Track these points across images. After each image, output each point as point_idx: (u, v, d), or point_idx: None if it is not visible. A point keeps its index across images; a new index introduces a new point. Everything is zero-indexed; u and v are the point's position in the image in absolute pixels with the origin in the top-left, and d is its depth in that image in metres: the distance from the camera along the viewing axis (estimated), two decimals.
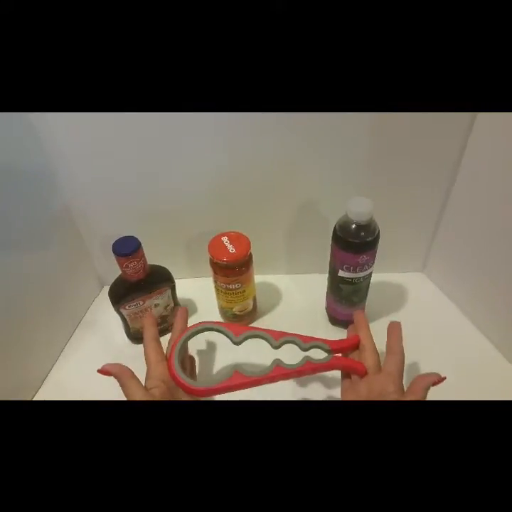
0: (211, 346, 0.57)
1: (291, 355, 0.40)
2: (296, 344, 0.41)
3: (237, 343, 0.40)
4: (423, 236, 0.64)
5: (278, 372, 0.39)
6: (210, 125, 0.51)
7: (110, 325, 0.60)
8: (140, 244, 0.49)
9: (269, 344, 0.40)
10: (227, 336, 0.40)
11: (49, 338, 0.56)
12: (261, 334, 0.41)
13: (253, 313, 0.60)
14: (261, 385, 0.38)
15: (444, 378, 0.36)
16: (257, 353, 0.41)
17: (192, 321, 0.61)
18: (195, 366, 0.48)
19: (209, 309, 0.62)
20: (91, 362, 0.57)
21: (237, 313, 0.58)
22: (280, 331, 0.41)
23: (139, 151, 0.53)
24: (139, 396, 0.36)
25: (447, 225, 0.61)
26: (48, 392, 0.53)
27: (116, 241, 0.49)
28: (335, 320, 0.58)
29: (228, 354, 0.56)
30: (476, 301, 0.58)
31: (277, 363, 0.39)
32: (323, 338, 0.42)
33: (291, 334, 0.41)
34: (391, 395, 0.36)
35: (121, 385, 0.38)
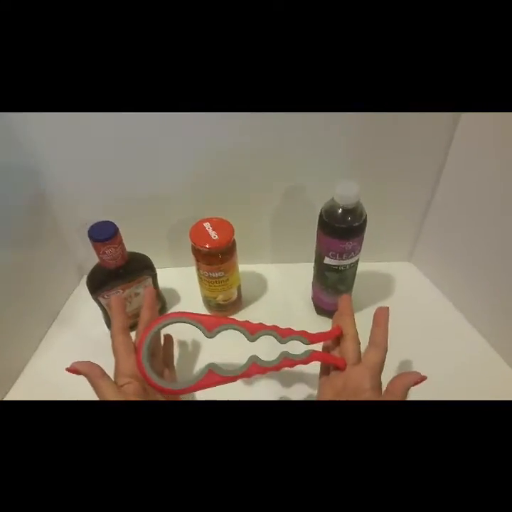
0: (184, 338, 0.55)
1: (268, 347, 0.38)
2: (274, 337, 0.39)
3: (211, 337, 0.37)
4: (410, 225, 0.63)
5: (254, 370, 0.37)
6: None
7: (90, 316, 0.58)
8: (117, 229, 0.47)
9: (245, 337, 0.38)
10: (200, 329, 0.37)
11: (26, 330, 0.54)
12: (236, 327, 0.38)
13: (238, 303, 0.59)
14: (236, 381, 0.37)
15: (425, 378, 0.34)
16: (232, 345, 0.39)
17: (175, 311, 0.60)
18: (172, 355, 0.46)
19: (192, 299, 0.60)
20: (70, 354, 0.55)
21: (221, 302, 0.56)
22: (257, 324, 0.39)
23: (116, 135, 0.51)
24: (110, 395, 0.34)
25: (435, 214, 0.60)
26: (25, 385, 0.51)
27: (92, 226, 0.47)
28: (321, 309, 0.57)
29: (202, 346, 0.54)
30: (464, 289, 0.57)
31: (254, 361, 0.37)
32: (304, 329, 0.40)
33: (269, 327, 0.39)
34: (366, 393, 0.34)
35: (92, 384, 0.36)
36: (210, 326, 0.37)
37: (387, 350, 0.37)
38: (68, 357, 0.55)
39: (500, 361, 0.51)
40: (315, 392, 0.41)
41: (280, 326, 0.39)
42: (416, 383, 0.33)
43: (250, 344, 0.38)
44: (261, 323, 0.39)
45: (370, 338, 0.39)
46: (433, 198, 0.59)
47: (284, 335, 0.39)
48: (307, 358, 0.39)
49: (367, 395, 0.34)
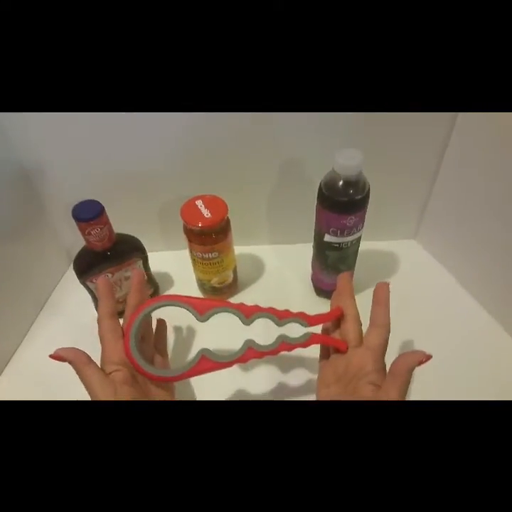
0: (177, 322, 0.53)
1: (265, 330, 0.36)
2: (271, 320, 0.36)
3: (203, 321, 0.35)
4: (415, 201, 0.60)
5: (250, 355, 0.35)
6: None
7: (80, 302, 0.55)
8: (103, 208, 0.44)
9: (240, 321, 0.35)
10: (191, 313, 0.35)
11: (13, 318, 0.52)
12: (229, 310, 0.35)
13: (233, 286, 0.56)
14: (231, 366, 0.35)
15: (430, 357, 0.31)
16: (227, 329, 0.36)
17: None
18: (165, 341, 0.43)
19: (186, 283, 0.57)
20: (60, 341, 0.52)
21: (216, 285, 0.53)
22: (253, 306, 0.36)
23: (102, 114, 0.48)
24: (96, 383, 0.32)
25: (440, 190, 0.57)
26: (14, 373, 0.49)
27: (76, 205, 0.44)
28: (320, 291, 0.54)
29: (196, 331, 0.51)
30: (470, 267, 0.55)
31: (249, 345, 0.35)
32: (303, 311, 0.37)
33: (265, 309, 0.36)
34: (369, 376, 0.32)
35: (77, 372, 0.33)
36: (202, 310, 0.35)
37: (389, 330, 0.34)
38: (58, 344, 0.52)
39: (507, 337, 0.49)
40: (315, 376, 0.39)
41: (277, 308, 0.37)
42: (421, 363, 0.30)
43: (246, 328, 0.35)
44: (256, 305, 0.36)
45: (370, 318, 0.36)
46: (438, 173, 0.56)
47: (281, 317, 0.36)
48: (306, 341, 0.36)
49: (370, 378, 0.32)
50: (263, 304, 0.37)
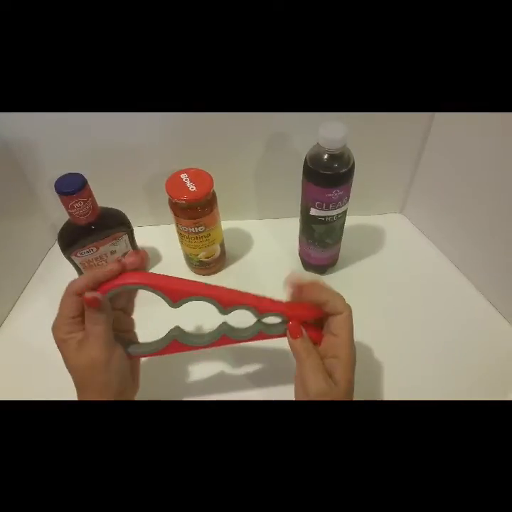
0: (148, 301, 0.52)
1: (242, 315, 0.34)
2: (250, 312, 0.34)
3: (176, 307, 0.32)
4: (402, 174, 0.59)
5: (224, 342, 0.34)
6: None
7: (66, 276, 0.54)
8: (86, 181, 0.44)
9: (217, 310, 0.33)
10: (164, 300, 0.32)
11: None
12: (206, 299, 0.32)
13: (221, 260, 0.56)
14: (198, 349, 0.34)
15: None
16: (202, 312, 0.33)
17: (156, 270, 0.57)
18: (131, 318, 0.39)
19: (174, 257, 0.57)
20: (46, 313, 0.53)
21: (204, 259, 0.53)
22: (233, 293, 0.33)
23: None
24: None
25: (427, 163, 0.57)
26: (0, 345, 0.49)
27: (58, 179, 0.43)
28: (308, 265, 0.55)
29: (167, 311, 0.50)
30: (457, 241, 0.55)
31: (224, 332, 0.34)
32: (283, 302, 0.34)
33: (245, 300, 0.33)
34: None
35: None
36: (175, 297, 0.32)
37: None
38: (44, 316, 0.52)
39: (493, 311, 0.50)
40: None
41: (259, 295, 0.34)
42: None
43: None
44: (237, 292, 0.34)
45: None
46: (424, 146, 0.55)
47: (261, 311, 0.33)
48: (283, 333, 0.34)
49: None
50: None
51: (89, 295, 0.30)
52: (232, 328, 0.35)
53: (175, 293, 0.32)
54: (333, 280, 0.55)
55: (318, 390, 0.29)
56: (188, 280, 0.33)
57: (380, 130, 0.52)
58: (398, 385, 0.43)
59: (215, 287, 0.33)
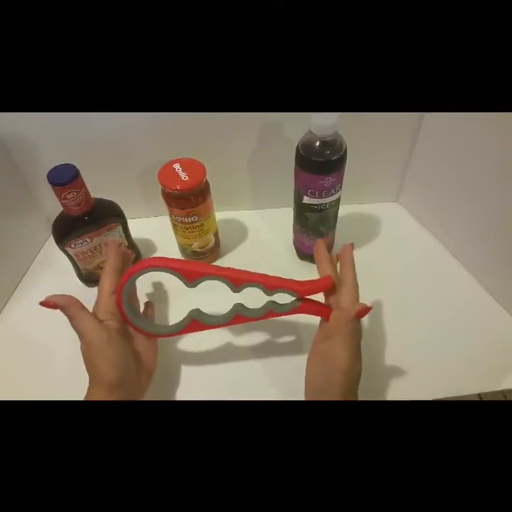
0: (166, 284, 0.53)
1: (254, 295, 0.36)
2: (261, 290, 0.36)
3: (192, 287, 0.36)
4: (396, 163, 0.59)
5: (238, 320, 0.37)
6: None
7: (61, 268, 0.55)
8: (78, 172, 0.44)
9: (230, 289, 0.36)
10: (181, 280, 0.35)
11: None
12: (219, 279, 0.35)
13: (216, 250, 0.56)
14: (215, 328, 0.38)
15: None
16: (216, 294, 0.36)
17: None
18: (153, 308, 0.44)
19: (168, 248, 0.57)
20: (40, 308, 0.53)
21: (198, 249, 0.53)
22: (243, 273, 0.36)
23: None
24: (90, 327, 0.33)
25: (420, 153, 0.57)
26: None
27: (51, 169, 0.43)
28: (302, 254, 0.55)
29: (184, 293, 0.52)
30: (452, 229, 0.55)
31: (238, 311, 0.37)
32: (292, 278, 0.37)
33: (255, 278, 0.36)
34: (347, 325, 0.33)
35: (71, 317, 0.34)
36: (191, 277, 0.35)
37: (358, 288, 0.36)
38: (39, 312, 0.53)
39: (490, 299, 0.50)
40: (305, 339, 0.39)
41: (268, 274, 0.37)
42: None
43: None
44: (247, 272, 0.36)
45: (341, 279, 0.37)
46: (418, 133, 0.55)
47: (271, 287, 0.36)
48: (293, 310, 0.37)
49: (347, 327, 0.33)
50: (245, 268, 0.37)
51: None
52: (244, 308, 0.37)
53: (191, 274, 0.35)
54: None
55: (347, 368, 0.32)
56: (202, 263, 0.38)
57: (373, 118, 0.52)
58: (394, 373, 0.43)
59: (227, 268, 0.36)
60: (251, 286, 0.36)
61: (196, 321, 0.37)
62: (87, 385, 0.34)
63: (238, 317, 0.37)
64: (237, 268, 0.36)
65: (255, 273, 0.36)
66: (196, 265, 0.36)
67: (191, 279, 0.35)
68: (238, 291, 0.36)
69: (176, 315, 0.41)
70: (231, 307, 0.38)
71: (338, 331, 0.33)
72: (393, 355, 0.45)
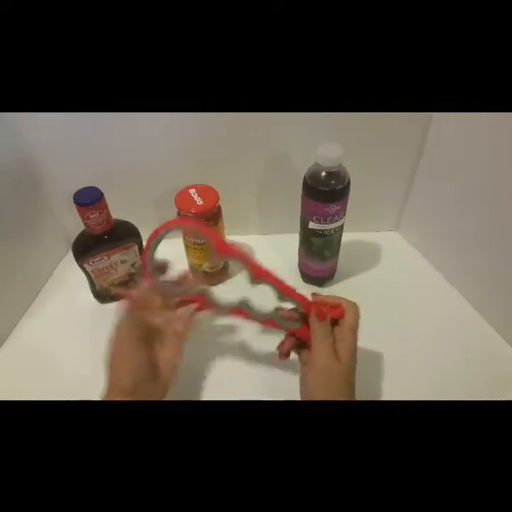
0: None
1: (265, 295, 0.38)
2: (274, 292, 0.38)
3: (214, 258, 0.38)
4: (397, 193, 0.63)
5: (238, 313, 0.38)
6: None
7: (76, 285, 0.58)
8: (102, 194, 0.47)
9: (248, 279, 0.38)
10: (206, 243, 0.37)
11: (12, 297, 0.54)
12: (243, 265, 0.37)
13: (224, 272, 0.59)
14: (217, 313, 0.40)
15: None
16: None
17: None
18: None
19: (179, 268, 0.60)
20: (55, 321, 0.56)
21: (208, 270, 0.56)
22: (264, 270, 0.38)
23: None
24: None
25: (421, 182, 0.60)
26: (11, 348, 0.52)
27: (77, 191, 0.47)
28: (307, 277, 0.58)
29: None
30: (452, 259, 0.57)
31: (241, 306, 0.38)
32: (306, 297, 0.39)
33: (274, 280, 0.38)
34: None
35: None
36: (220, 250, 0.37)
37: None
38: (54, 322, 0.55)
39: (489, 328, 0.51)
40: None
41: (285, 283, 0.39)
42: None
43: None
44: (268, 272, 0.38)
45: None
46: (418, 165, 0.59)
47: (285, 294, 0.38)
48: (292, 330, 0.39)
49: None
50: (252, 289, 0.38)
51: None
52: (249, 304, 0.39)
53: (221, 246, 0.37)
54: (330, 292, 0.56)
55: (325, 364, 0.35)
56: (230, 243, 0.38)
57: (374, 151, 0.56)
58: (389, 394, 0.45)
59: (252, 260, 0.38)
60: (267, 284, 0.38)
61: (204, 298, 0.39)
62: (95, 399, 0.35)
63: (238, 310, 0.38)
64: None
65: (277, 278, 0.38)
66: (224, 245, 0.37)
67: (220, 251, 0.36)
68: (255, 284, 0.38)
69: None
70: (239, 299, 0.39)
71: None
72: (389, 376, 0.46)
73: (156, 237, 0.37)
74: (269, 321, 0.39)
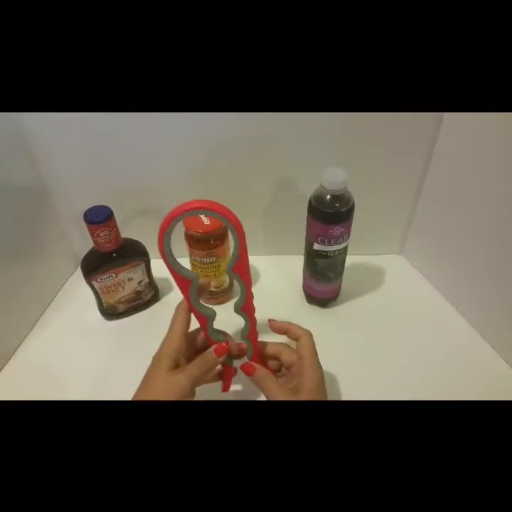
0: None
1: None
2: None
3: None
4: (400, 217, 0.64)
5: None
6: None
7: (83, 302, 0.59)
8: (112, 213, 0.49)
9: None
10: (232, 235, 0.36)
11: (20, 313, 0.55)
12: (245, 282, 0.37)
13: (229, 291, 0.60)
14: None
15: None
16: None
17: (168, 298, 0.61)
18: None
19: None
20: (62, 337, 0.56)
21: (213, 289, 0.57)
22: (252, 317, 0.38)
23: (114, 125, 0.53)
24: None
25: (424, 206, 0.61)
26: (16, 366, 0.52)
27: (87, 210, 0.49)
28: (311, 298, 0.58)
29: None
30: (455, 282, 0.58)
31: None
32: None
33: (252, 317, 0.39)
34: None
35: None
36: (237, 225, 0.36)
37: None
38: (61, 338, 0.56)
39: (492, 353, 0.51)
40: None
41: (260, 339, 0.40)
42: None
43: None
44: (253, 307, 0.39)
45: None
46: (422, 189, 0.60)
47: (249, 335, 0.39)
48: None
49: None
50: (257, 308, 0.39)
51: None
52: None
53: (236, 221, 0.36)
54: (334, 314, 0.58)
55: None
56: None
57: (378, 175, 0.58)
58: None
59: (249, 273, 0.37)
60: (245, 318, 0.38)
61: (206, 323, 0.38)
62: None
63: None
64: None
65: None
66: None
67: (237, 227, 0.35)
68: (237, 312, 0.38)
69: None
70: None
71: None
72: (390, 397, 0.46)
73: (170, 225, 0.35)
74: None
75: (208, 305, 0.39)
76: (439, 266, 0.61)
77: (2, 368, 0.51)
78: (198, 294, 0.37)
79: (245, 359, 0.39)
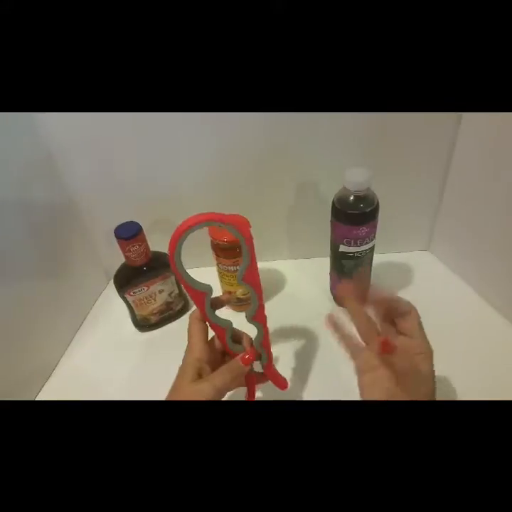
0: None
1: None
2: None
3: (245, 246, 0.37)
4: (426, 213, 0.63)
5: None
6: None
7: (117, 315, 0.61)
8: (141, 228, 0.50)
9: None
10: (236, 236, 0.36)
11: (58, 330, 0.57)
12: (256, 291, 0.38)
13: None
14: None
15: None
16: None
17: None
18: None
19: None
20: (99, 350, 0.58)
21: (241, 297, 0.58)
22: (265, 333, 0.40)
23: (137, 142, 0.55)
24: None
25: (449, 203, 0.60)
26: (59, 377, 0.54)
27: (118, 226, 0.50)
28: (340, 300, 0.58)
29: None
30: (486, 276, 0.57)
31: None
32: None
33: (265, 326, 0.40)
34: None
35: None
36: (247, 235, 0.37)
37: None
38: (98, 352, 0.58)
39: None
40: None
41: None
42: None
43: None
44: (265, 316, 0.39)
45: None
46: (446, 184, 0.59)
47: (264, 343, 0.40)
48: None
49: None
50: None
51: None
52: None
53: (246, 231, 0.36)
54: None
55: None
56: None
57: (401, 172, 0.57)
58: None
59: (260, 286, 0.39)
60: (258, 326, 0.39)
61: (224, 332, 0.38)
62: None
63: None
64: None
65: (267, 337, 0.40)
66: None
67: (247, 234, 0.36)
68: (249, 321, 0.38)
69: None
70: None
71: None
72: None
73: (182, 236, 0.35)
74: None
75: (223, 317, 0.39)
76: (469, 259, 0.60)
77: (47, 379, 0.53)
78: (212, 306, 0.38)
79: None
